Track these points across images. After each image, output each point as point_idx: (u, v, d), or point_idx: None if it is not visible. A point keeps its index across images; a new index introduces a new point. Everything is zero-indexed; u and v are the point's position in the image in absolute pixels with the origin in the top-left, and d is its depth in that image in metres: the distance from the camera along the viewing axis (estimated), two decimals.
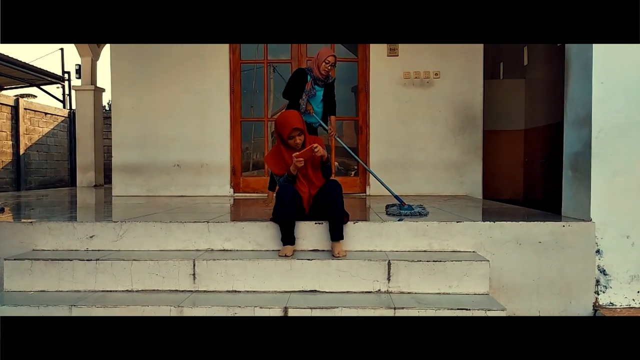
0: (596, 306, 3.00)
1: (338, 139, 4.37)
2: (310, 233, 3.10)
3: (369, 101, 5.98)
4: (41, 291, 2.88)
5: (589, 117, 3.07)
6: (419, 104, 5.93)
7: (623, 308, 2.97)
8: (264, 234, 3.13)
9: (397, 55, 5.93)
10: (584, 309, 2.99)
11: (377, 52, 5.95)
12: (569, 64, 3.36)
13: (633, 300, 3.00)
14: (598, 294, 3.02)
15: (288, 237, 2.96)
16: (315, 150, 2.94)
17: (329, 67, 4.10)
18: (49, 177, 10.75)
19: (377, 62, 5.95)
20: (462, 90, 5.93)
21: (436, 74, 5.92)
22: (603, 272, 3.02)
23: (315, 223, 3.10)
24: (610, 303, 3.01)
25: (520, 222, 3.08)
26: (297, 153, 2.91)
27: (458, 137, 5.94)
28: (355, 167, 6.25)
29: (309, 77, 4.23)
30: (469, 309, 2.57)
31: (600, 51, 3.04)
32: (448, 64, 5.92)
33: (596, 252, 3.03)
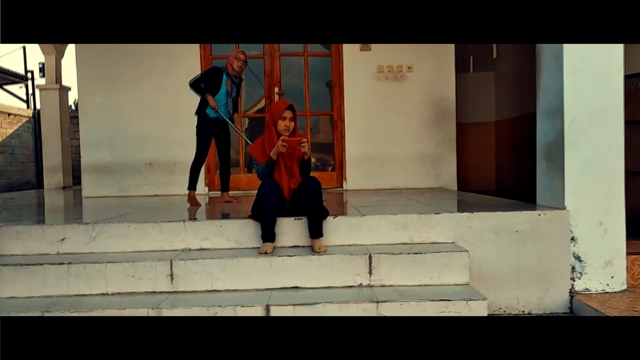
0: (572, 292, 3.06)
1: (242, 133, 4.58)
2: (291, 229, 3.06)
3: (343, 96, 5.96)
4: (11, 297, 2.76)
5: (561, 107, 3.12)
6: (393, 97, 5.95)
7: (598, 293, 3.04)
8: (243, 231, 3.08)
9: (370, 50, 5.93)
10: (560, 296, 3.05)
11: (350, 46, 5.93)
12: (540, 54, 3.41)
13: (607, 285, 3.07)
14: (574, 280, 3.08)
15: (269, 234, 2.92)
16: (302, 144, 2.92)
17: (242, 64, 4.25)
18: (14, 180, 10.38)
19: (350, 56, 5.94)
20: (435, 84, 5.97)
21: (409, 68, 5.94)
22: (578, 258, 3.08)
23: (295, 219, 3.06)
24: (586, 289, 3.07)
25: (497, 212, 3.11)
26: (286, 137, 2.93)
27: (432, 130, 5.99)
28: (332, 163, 6.24)
29: (224, 75, 4.24)
30: (451, 300, 2.58)
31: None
32: (421, 58, 5.95)
33: (571, 239, 3.09)
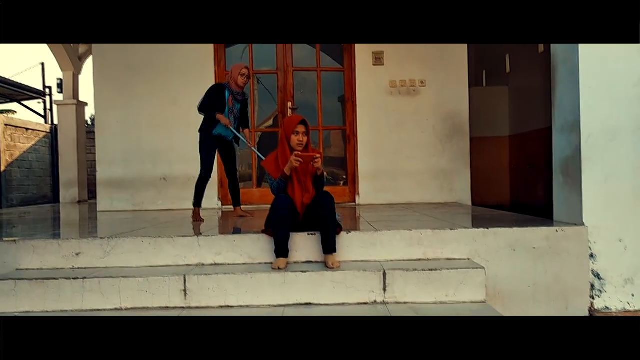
0: (592, 311, 2.99)
1: (255, 149, 4.60)
2: (304, 244, 3.05)
3: (356, 111, 5.97)
4: (26, 312, 2.77)
5: (578, 123, 3.09)
6: (406, 112, 5.95)
7: (618, 312, 2.97)
8: (256, 246, 3.07)
9: (383, 64, 5.95)
10: (580, 314, 2.98)
11: (363, 61, 5.96)
12: (556, 70, 3.39)
13: (628, 303, 3.00)
14: (593, 299, 3.01)
15: (282, 249, 2.90)
16: (316, 159, 2.91)
17: (245, 79, 4.25)
18: (31, 194, 10.52)
19: (363, 71, 5.96)
20: (449, 98, 5.96)
21: (422, 82, 5.94)
22: (597, 276, 3.02)
23: (309, 234, 3.05)
24: (606, 307, 3.00)
25: (513, 228, 3.07)
26: (299, 152, 2.91)
27: (446, 145, 5.96)
28: (345, 177, 6.23)
29: (227, 92, 4.25)
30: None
31: (587, 56, 3.07)
32: (433, 72, 5.95)
33: (590, 256, 3.03)
